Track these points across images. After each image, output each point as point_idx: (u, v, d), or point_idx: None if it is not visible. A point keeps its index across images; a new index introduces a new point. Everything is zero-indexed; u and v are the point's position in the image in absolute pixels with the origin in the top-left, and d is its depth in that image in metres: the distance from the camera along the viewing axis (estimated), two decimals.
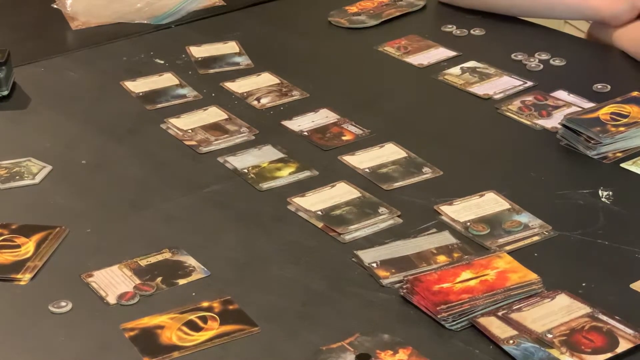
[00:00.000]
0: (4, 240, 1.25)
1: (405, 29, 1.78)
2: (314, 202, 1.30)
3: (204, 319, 1.11)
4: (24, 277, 1.19)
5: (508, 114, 1.50)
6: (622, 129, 1.38)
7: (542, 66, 1.63)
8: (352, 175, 1.36)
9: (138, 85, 1.63)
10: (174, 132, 1.49)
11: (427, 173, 1.36)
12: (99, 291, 1.16)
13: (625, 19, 1.65)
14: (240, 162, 1.40)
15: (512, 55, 1.66)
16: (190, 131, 1.48)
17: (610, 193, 1.29)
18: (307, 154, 1.41)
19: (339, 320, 1.10)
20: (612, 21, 1.66)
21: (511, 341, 1.05)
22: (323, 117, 1.50)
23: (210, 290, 1.16)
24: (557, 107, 1.50)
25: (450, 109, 1.55)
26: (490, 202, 1.28)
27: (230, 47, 1.74)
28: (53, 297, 1.15)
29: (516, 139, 1.45)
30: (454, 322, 1.08)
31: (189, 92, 1.60)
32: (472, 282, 1.12)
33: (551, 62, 1.64)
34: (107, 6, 1.87)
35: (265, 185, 1.35)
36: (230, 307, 1.13)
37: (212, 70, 1.67)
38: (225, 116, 1.52)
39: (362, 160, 1.39)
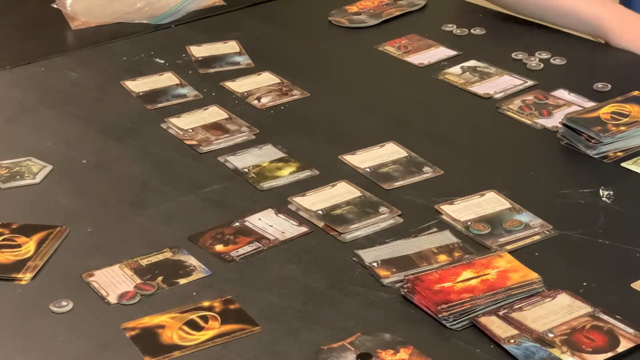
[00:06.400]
0: (4, 239, 1.25)
1: (406, 28, 1.78)
2: (315, 201, 1.30)
3: (205, 319, 1.11)
4: (25, 277, 1.19)
5: (508, 113, 1.50)
6: (622, 128, 1.38)
7: (542, 65, 1.63)
8: (352, 175, 1.36)
9: (138, 85, 1.63)
10: (175, 132, 1.49)
11: (428, 172, 1.36)
12: (99, 291, 1.16)
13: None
14: (241, 161, 1.40)
15: (513, 55, 1.66)
16: (190, 131, 1.48)
17: (611, 192, 1.29)
18: (308, 153, 1.41)
19: (340, 320, 1.10)
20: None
21: (512, 340, 1.05)
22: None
23: (211, 290, 1.16)
24: (557, 107, 1.50)
25: (450, 109, 1.55)
26: (491, 202, 1.28)
27: (230, 46, 1.74)
28: (54, 297, 1.15)
29: (517, 139, 1.45)
30: (455, 322, 1.08)
31: (189, 92, 1.60)
32: (473, 282, 1.12)
33: (551, 61, 1.64)
34: (107, 6, 1.87)
35: (266, 185, 1.35)
36: (231, 306, 1.13)
37: (212, 70, 1.67)
38: (226, 116, 1.52)
39: (363, 159, 1.39)
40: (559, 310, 1.08)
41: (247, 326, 1.10)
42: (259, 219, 1.27)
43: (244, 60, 1.70)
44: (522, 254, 1.18)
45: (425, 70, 1.64)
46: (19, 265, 1.21)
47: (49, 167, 1.40)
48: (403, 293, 1.13)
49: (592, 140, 1.37)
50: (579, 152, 1.39)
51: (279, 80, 1.62)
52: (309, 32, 1.83)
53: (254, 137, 1.47)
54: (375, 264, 1.18)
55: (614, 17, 1.67)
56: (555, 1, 1.71)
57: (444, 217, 1.26)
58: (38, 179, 1.38)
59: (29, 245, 1.24)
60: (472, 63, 1.64)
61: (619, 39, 1.66)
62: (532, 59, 1.64)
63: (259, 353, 1.07)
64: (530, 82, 1.57)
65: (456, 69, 1.63)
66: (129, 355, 1.07)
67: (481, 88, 1.57)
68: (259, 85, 1.61)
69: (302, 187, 1.34)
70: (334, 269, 1.19)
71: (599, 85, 1.55)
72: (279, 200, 1.31)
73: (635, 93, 1.45)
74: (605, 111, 1.42)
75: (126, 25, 1.84)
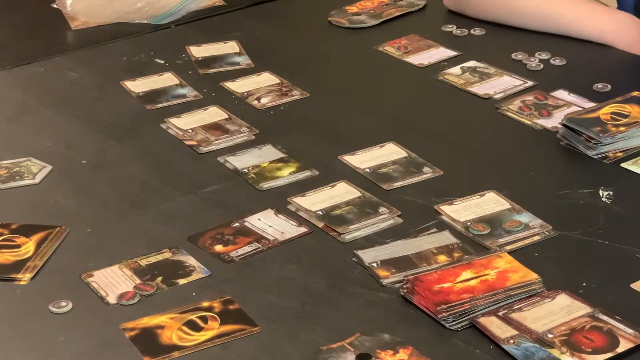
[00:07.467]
0: (4, 240, 1.25)
1: (406, 28, 1.78)
2: (314, 201, 1.30)
3: (205, 319, 1.11)
4: (24, 277, 1.19)
5: (508, 113, 1.50)
6: (622, 128, 1.38)
7: (542, 66, 1.63)
8: (352, 175, 1.36)
9: (138, 85, 1.63)
10: (174, 132, 1.49)
11: (428, 173, 1.36)
12: (99, 291, 1.16)
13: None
14: (241, 162, 1.40)
15: (512, 55, 1.66)
16: (190, 131, 1.48)
17: (611, 193, 1.29)
18: (308, 153, 1.41)
19: (340, 320, 1.10)
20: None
21: (511, 341, 1.05)
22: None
23: (210, 290, 1.16)
24: (557, 107, 1.50)
25: (450, 109, 1.54)
26: (491, 202, 1.28)
27: (230, 46, 1.74)
28: (53, 297, 1.15)
29: (516, 139, 1.45)
30: (455, 322, 1.08)
31: (189, 92, 1.60)
32: (473, 282, 1.12)
33: (551, 61, 1.64)
34: (107, 6, 1.87)
35: (266, 185, 1.35)
36: (231, 307, 1.13)
37: (212, 70, 1.67)
38: (226, 116, 1.52)
39: (363, 160, 1.39)
40: (559, 311, 1.08)
41: (246, 326, 1.10)
42: (259, 220, 1.27)
43: (244, 61, 1.70)
44: (522, 255, 1.18)
45: (425, 70, 1.64)
46: (19, 265, 1.21)
47: (49, 168, 1.40)
48: (402, 293, 1.13)
49: (592, 141, 1.37)
50: (579, 152, 1.39)
51: (278, 81, 1.62)
52: (309, 32, 1.83)
53: (253, 137, 1.47)
54: (374, 264, 1.18)
55: (617, 29, 1.65)
56: (548, 13, 1.70)
57: (443, 217, 1.26)
58: (38, 179, 1.38)
59: (28, 246, 1.24)
60: (471, 63, 1.64)
61: (624, 48, 1.65)
62: (532, 59, 1.64)
63: (258, 353, 1.07)
64: (530, 83, 1.57)
65: (456, 70, 1.63)
66: (128, 355, 1.07)
67: (481, 88, 1.57)
68: (259, 86, 1.61)
69: (301, 187, 1.34)
70: (333, 269, 1.19)
71: (598, 86, 1.55)
72: (279, 201, 1.31)
73: (635, 93, 1.45)
74: (605, 112, 1.42)
75: (126, 25, 1.84)
